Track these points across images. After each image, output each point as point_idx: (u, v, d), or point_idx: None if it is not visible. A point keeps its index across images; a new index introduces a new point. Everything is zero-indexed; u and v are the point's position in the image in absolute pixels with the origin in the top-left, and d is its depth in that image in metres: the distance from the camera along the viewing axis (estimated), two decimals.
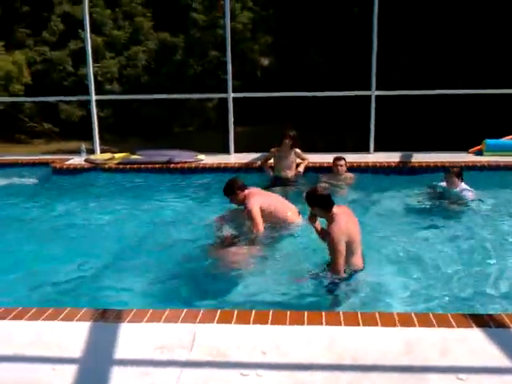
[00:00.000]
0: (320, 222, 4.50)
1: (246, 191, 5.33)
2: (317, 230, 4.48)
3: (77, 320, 3.28)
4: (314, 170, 7.51)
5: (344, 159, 7.23)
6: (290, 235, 5.24)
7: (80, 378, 2.74)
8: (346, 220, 4.19)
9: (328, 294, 4.06)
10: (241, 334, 3.09)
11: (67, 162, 8.38)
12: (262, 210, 5.16)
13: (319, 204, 4.25)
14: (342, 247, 4.05)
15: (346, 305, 3.90)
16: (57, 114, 19.73)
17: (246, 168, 7.81)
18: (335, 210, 4.22)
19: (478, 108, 13.10)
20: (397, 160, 7.92)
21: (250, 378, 2.66)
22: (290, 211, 5.42)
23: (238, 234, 5.20)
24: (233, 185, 5.36)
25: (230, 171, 7.53)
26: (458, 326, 3.11)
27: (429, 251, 4.93)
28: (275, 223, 5.27)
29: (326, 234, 4.23)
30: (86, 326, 3.22)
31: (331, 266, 4.11)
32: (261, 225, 5.07)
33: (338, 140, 13.55)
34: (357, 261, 4.22)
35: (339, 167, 7.17)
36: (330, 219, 4.18)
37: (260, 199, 5.27)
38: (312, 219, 4.47)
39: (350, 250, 4.13)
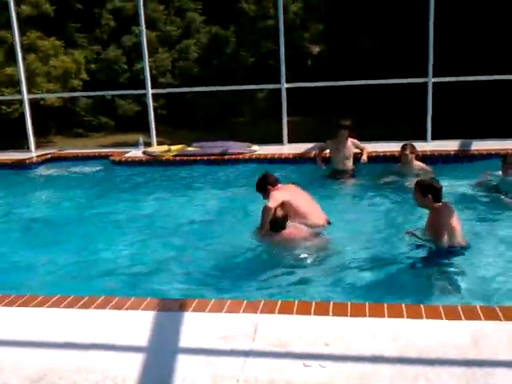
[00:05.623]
0: None
1: (277, 186, 5.08)
2: None
3: (142, 309, 3.37)
4: (371, 160, 7.33)
5: (410, 146, 6.67)
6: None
7: (145, 366, 2.81)
8: (449, 214, 4.50)
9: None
10: (302, 324, 3.09)
11: (125, 155, 8.61)
12: (285, 203, 4.85)
13: (433, 193, 4.51)
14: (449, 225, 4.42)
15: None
16: (112, 109, 20.24)
17: (300, 158, 7.77)
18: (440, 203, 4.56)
19: None
20: (456, 148, 7.69)
21: (313, 368, 2.67)
22: (318, 214, 5.11)
23: None
24: (264, 180, 5.13)
25: (284, 162, 7.52)
26: None
27: (478, 243, 4.73)
28: (299, 222, 4.94)
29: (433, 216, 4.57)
30: (151, 315, 3.30)
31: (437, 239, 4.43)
32: (265, 228, 4.74)
33: (392, 128, 13.26)
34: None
35: (402, 156, 6.69)
36: (434, 210, 4.53)
37: (284, 194, 4.95)
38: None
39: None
